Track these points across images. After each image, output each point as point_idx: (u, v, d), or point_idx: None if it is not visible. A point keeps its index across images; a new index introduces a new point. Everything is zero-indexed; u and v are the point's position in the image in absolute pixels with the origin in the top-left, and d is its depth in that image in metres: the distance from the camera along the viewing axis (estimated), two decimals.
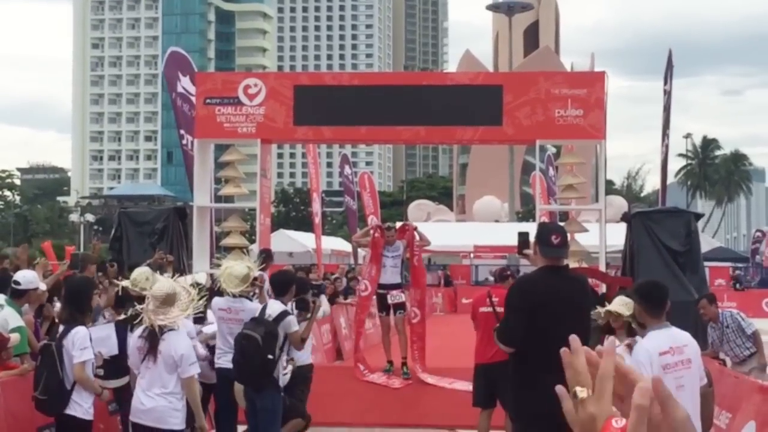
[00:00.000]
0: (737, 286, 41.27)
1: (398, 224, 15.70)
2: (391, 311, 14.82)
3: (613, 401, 1.75)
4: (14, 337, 8.94)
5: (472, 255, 45.68)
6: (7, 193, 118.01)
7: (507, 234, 34.78)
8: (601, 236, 14.18)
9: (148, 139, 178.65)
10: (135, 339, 7.96)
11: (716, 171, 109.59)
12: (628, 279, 12.96)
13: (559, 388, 1.83)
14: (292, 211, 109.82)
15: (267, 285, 10.76)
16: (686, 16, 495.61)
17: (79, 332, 7.83)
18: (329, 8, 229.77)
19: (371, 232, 15.24)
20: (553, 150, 45.03)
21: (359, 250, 38.07)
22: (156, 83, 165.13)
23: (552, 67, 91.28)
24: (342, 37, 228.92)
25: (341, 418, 12.96)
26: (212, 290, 10.30)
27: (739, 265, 50.02)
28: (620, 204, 62.08)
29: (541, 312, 6.64)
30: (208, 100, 14.63)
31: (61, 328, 8.01)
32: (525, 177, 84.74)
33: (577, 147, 15.43)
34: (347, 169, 36.96)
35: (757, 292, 40.46)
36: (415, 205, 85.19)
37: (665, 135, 19.09)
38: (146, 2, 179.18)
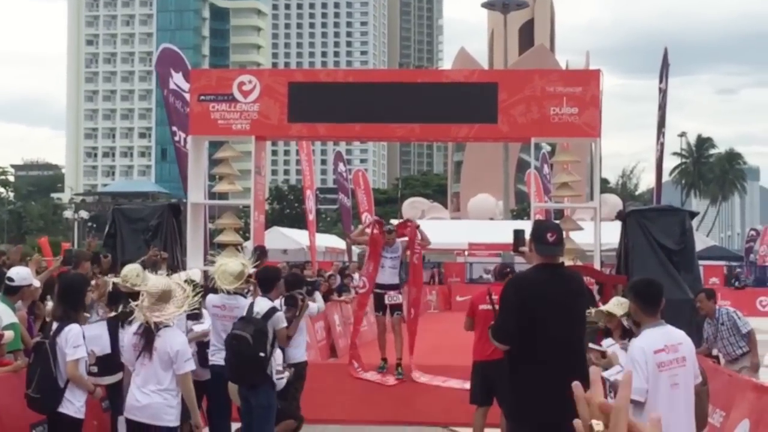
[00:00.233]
0: (736, 283, 41.29)
1: (398, 222, 15.68)
2: (388, 312, 14.87)
3: None
4: (8, 334, 8.90)
5: (466, 253, 45.69)
6: (0, 189, 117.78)
7: (502, 232, 34.76)
8: (595, 234, 14.18)
9: (142, 135, 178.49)
10: (130, 336, 7.94)
11: (711, 170, 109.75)
12: (623, 277, 12.97)
13: (576, 423, 1.84)
14: (287, 208, 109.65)
15: None
16: (681, 15, 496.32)
17: (73, 330, 7.80)
18: (324, 5, 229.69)
19: (368, 229, 15.24)
20: (548, 148, 45.02)
21: (353, 247, 38.13)
22: (150, 80, 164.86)
23: (547, 65, 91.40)
24: (337, 35, 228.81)
25: (335, 415, 12.95)
26: (206, 287, 10.28)
27: (734, 264, 50.03)
28: (615, 202, 62.19)
29: (536, 310, 6.63)
30: (202, 97, 14.60)
31: (54, 325, 7.97)
32: (520, 175, 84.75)
33: (572, 145, 15.42)
34: (341, 166, 36.93)
35: (752, 291, 40.53)
36: (410, 202, 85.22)
37: (660, 133, 19.07)
38: None
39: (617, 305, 7.54)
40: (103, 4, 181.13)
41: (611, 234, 16.86)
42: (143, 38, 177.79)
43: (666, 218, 14.80)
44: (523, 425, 6.77)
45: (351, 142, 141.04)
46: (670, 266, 14.19)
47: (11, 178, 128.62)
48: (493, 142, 21.01)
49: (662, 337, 6.43)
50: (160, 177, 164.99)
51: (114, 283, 9.10)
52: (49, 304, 10.52)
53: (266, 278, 9.81)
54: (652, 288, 6.64)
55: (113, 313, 8.98)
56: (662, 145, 19.24)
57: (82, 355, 7.83)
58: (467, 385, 11.57)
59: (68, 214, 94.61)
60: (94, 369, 8.44)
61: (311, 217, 31.15)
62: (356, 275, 25.68)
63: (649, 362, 6.29)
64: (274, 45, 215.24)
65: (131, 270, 8.80)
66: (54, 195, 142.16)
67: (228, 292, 9.70)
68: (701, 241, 42.96)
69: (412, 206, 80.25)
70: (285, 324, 9.49)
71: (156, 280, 8.10)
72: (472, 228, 49.17)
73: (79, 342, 7.79)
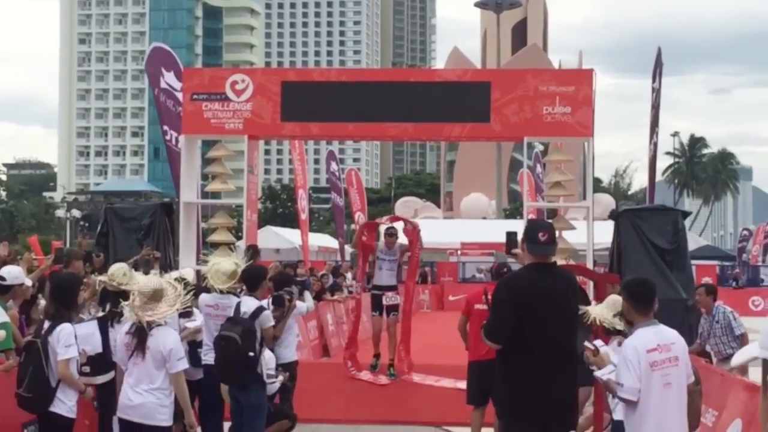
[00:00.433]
0: (734, 284, 41.29)
1: (401, 223, 15.62)
2: (384, 312, 14.93)
3: None
4: None
5: (459, 252, 45.74)
6: None
7: (494, 231, 34.84)
8: (588, 234, 14.18)
9: (134, 134, 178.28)
10: (122, 335, 7.90)
11: (703, 169, 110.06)
12: (616, 276, 12.96)
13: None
14: (279, 207, 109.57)
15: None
16: (674, 15, 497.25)
17: (65, 329, 7.76)
18: (317, 4, 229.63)
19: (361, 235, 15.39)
20: (541, 147, 45.09)
21: (346, 246, 38.10)
22: (143, 79, 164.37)
23: (540, 65, 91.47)
24: (330, 34, 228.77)
25: (328, 414, 12.93)
26: (199, 286, 10.25)
27: (727, 263, 50.13)
28: (608, 202, 62.34)
29: (528, 309, 6.63)
30: (195, 96, 14.58)
31: (46, 324, 7.94)
32: (513, 174, 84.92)
33: (565, 144, 15.40)
34: (334, 166, 36.91)
35: (744, 291, 40.55)
36: (403, 202, 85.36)
37: (653, 133, 19.06)
38: None
39: (611, 305, 7.52)
40: (95, 3, 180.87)
41: (604, 233, 16.87)
42: (136, 37, 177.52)
43: (659, 218, 14.81)
44: (514, 422, 6.76)
45: (344, 141, 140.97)
46: (662, 265, 14.20)
47: (3, 177, 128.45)
48: (486, 142, 21.02)
49: (655, 337, 6.43)
50: (152, 176, 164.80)
51: (102, 282, 9.06)
52: (42, 303, 10.48)
53: (251, 277, 9.78)
54: (645, 287, 6.63)
55: (100, 313, 8.95)
56: (655, 144, 19.24)
57: (73, 355, 7.79)
58: (460, 385, 11.56)
59: (60, 213, 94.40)
60: (86, 369, 8.40)
61: (304, 216, 31.15)
62: (349, 275, 25.70)
63: (642, 361, 6.28)
64: (267, 44, 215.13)
65: (118, 269, 8.75)
66: (46, 194, 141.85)
67: (221, 292, 9.68)
68: (694, 241, 43.10)
69: (404, 205, 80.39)
70: (272, 323, 9.46)
71: (147, 280, 8.07)
72: (465, 227, 49.27)
73: (71, 341, 7.75)
